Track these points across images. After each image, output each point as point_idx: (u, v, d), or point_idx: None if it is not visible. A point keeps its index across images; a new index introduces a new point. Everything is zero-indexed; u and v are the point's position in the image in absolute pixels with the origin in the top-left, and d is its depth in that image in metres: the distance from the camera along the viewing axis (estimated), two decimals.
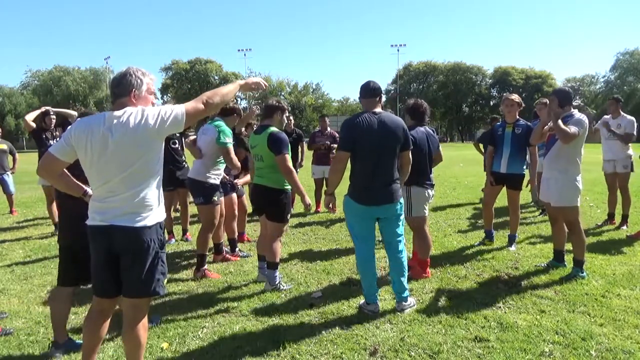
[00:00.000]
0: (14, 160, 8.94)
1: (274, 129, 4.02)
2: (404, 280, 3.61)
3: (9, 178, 8.55)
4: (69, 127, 2.41)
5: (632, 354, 2.84)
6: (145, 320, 2.41)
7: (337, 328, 3.26)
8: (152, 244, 2.32)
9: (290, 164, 3.96)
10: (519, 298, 3.77)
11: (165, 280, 2.46)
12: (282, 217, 4.09)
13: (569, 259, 4.46)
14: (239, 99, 57.63)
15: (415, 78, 72.55)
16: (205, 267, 4.52)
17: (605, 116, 6.63)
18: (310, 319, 3.45)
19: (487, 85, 70.77)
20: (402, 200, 3.64)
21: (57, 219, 6.73)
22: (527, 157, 5.36)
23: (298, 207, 7.92)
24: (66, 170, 2.51)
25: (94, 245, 2.37)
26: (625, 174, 6.41)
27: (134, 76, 2.33)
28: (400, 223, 3.65)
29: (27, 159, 13.77)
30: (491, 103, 68.83)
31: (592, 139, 7.07)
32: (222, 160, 4.57)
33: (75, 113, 6.94)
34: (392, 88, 71.61)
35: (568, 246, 4.47)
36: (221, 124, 4.45)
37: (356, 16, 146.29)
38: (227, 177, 4.82)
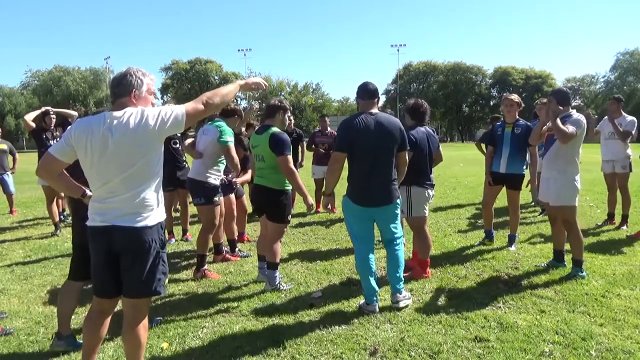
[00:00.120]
0: (14, 160, 8.95)
1: (275, 129, 4.01)
2: (400, 273, 3.66)
3: (9, 178, 8.55)
4: (69, 127, 2.41)
5: (632, 354, 2.84)
6: (145, 320, 2.41)
7: (337, 328, 3.26)
8: (154, 243, 2.32)
9: (292, 165, 3.96)
10: (519, 298, 3.78)
11: (167, 280, 2.46)
12: (282, 218, 4.09)
13: (568, 259, 4.46)
14: (238, 99, 57.62)
15: (415, 78, 72.54)
16: (205, 267, 4.52)
17: (606, 118, 6.63)
18: (310, 319, 3.45)
19: (487, 85, 70.78)
20: (399, 199, 3.67)
21: (57, 219, 6.78)
22: (528, 157, 5.36)
23: (298, 207, 7.93)
24: (65, 172, 2.51)
25: (94, 246, 2.37)
26: (624, 174, 6.41)
27: (134, 76, 2.33)
28: (398, 220, 3.71)
29: (27, 159, 13.77)
30: (491, 103, 68.85)
31: (591, 140, 7.07)
32: (223, 160, 4.57)
33: (75, 113, 6.96)
34: (392, 88, 71.60)
35: (568, 246, 4.47)
36: (222, 124, 4.46)
37: (356, 16, 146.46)
38: (226, 178, 4.81)
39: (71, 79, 62.33)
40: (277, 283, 4.06)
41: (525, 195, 7.25)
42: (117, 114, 2.25)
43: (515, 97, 5.27)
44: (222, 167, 4.62)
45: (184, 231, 6.22)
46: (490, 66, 72.91)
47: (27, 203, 9.83)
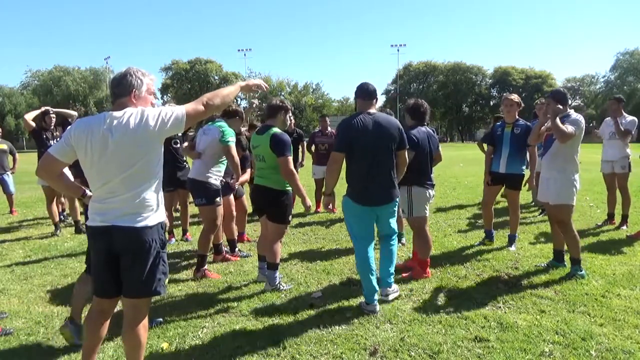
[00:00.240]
0: (14, 160, 8.95)
1: (276, 129, 4.01)
2: (392, 268, 3.78)
3: (9, 178, 8.55)
4: (69, 127, 2.41)
5: (632, 354, 2.84)
6: (145, 320, 2.41)
7: (337, 328, 3.26)
8: (154, 243, 2.32)
9: (292, 166, 3.96)
10: (519, 298, 3.78)
11: (167, 280, 2.46)
12: (283, 218, 4.09)
13: (569, 259, 4.46)
14: (238, 99, 57.66)
15: (415, 78, 72.55)
16: (206, 267, 4.52)
17: (607, 118, 6.64)
18: (310, 319, 3.45)
19: (487, 85, 70.80)
20: (398, 198, 3.73)
21: (57, 219, 6.78)
22: (528, 156, 5.36)
23: (298, 207, 7.92)
24: (68, 171, 2.51)
25: (95, 246, 2.37)
26: (623, 174, 6.42)
27: (134, 76, 2.33)
28: (395, 216, 3.80)
29: (27, 159, 13.77)
30: (491, 103, 68.88)
31: (591, 140, 7.08)
32: (224, 161, 4.57)
33: (75, 113, 6.97)
34: (392, 88, 71.62)
35: None
36: (224, 124, 4.46)
37: (356, 16, 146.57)
38: (225, 181, 4.79)
39: (71, 79, 62.34)
40: (277, 283, 4.06)
41: (525, 195, 7.25)
42: (117, 114, 2.25)
43: (515, 97, 5.27)
44: (223, 167, 4.61)
45: (184, 231, 6.22)
46: (490, 66, 73.10)
47: (27, 203, 9.83)
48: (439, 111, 68.71)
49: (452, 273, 4.47)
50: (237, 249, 5.28)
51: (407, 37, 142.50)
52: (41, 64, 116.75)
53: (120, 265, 2.33)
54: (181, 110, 2.31)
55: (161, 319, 3.45)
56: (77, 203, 6.73)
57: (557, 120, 4.02)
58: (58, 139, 4.97)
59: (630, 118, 6.35)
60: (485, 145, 6.10)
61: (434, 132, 4.65)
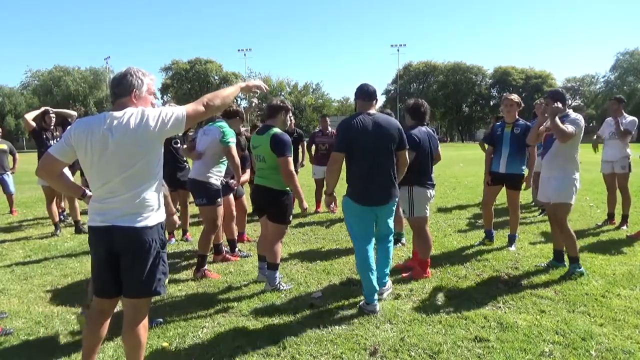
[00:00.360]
0: (14, 160, 8.95)
1: (277, 130, 4.01)
2: (388, 268, 3.90)
3: (9, 178, 8.56)
4: (69, 127, 2.41)
5: (632, 354, 2.84)
6: (145, 320, 2.41)
7: (337, 328, 3.26)
8: (154, 244, 2.32)
9: (292, 167, 3.95)
10: (519, 298, 3.78)
11: (167, 280, 2.46)
12: (283, 219, 4.08)
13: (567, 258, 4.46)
14: (238, 99, 57.67)
15: (415, 78, 72.55)
16: (206, 267, 4.51)
17: (608, 118, 6.64)
18: (310, 319, 3.45)
19: (487, 85, 70.80)
20: (397, 197, 3.76)
21: (57, 219, 6.78)
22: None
23: (298, 207, 7.91)
24: (68, 171, 2.51)
25: (95, 246, 2.37)
26: (624, 175, 6.42)
27: (134, 76, 2.33)
28: (392, 216, 3.84)
29: (27, 159, 13.77)
30: (491, 103, 68.89)
31: (592, 140, 7.08)
32: (224, 161, 4.57)
33: (74, 113, 6.97)
34: (392, 88, 71.61)
35: None
36: (224, 125, 4.46)
37: (356, 16, 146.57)
38: (226, 181, 4.79)
39: (71, 79, 62.33)
40: (277, 283, 4.06)
41: (525, 195, 7.25)
42: (117, 114, 2.25)
43: (515, 97, 5.28)
44: (223, 167, 4.61)
45: (184, 231, 6.22)
46: (490, 66, 73.09)
47: (27, 203, 9.83)
48: (439, 111, 68.70)
49: (452, 273, 4.47)
50: (237, 249, 5.28)
51: (407, 37, 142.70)
52: (41, 64, 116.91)
53: (120, 265, 2.33)
54: (181, 110, 2.31)
55: (161, 319, 3.45)
56: (77, 203, 6.73)
57: (557, 119, 4.02)
58: (58, 139, 4.97)
59: (630, 118, 6.35)
60: (486, 145, 6.10)
61: (434, 132, 4.65)
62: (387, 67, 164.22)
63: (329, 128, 8.13)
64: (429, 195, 4.40)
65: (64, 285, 4.37)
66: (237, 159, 4.48)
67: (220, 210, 4.54)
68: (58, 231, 6.68)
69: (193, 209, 6.62)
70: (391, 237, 3.90)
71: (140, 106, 2.31)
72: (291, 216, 4.19)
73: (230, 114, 4.62)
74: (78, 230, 6.69)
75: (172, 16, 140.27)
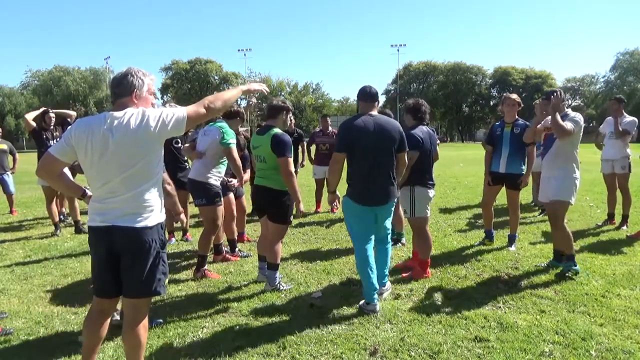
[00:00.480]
0: (14, 160, 8.95)
1: (277, 130, 4.00)
2: (387, 268, 3.93)
3: (9, 178, 8.56)
4: (69, 127, 2.41)
5: (632, 354, 2.84)
6: (145, 320, 2.41)
7: (337, 328, 3.26)
8: (154, 244, 2.32)
9: (292, 167, 3.95)
10: (519, 298, 3.78)
11: (167, 280, 2.46)
12: (284, 219, 4.08)
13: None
14: (238, 99, 57.46)
15: (415, 78, 72.55)
16: (206, 267, 4.51)
17: (609, 117, 6.64)
18: (310, 319, 3.45)
19: (487, 85, 70.81)
20: (397, 197, 3.79)
21: (57, 219, 6.78)
22: None
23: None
24: (67, 170, 2.51)
25: (95, 246, 2.37)
26: (624, 174, 6.41)
27: (135, 77, 2.33)
28: (391, 217, 3.88)
29: (27, 159, 13.77)
30: (491, 103, 68.88)
31: (592, 140, 7.09)
32: (224, 162, 4.57)
33: (74, 113, 6.98)
34: (392, 88, 71.60)
35: None
36: (224, 125, 4.46)
37: (356, 16, 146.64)
38: (227, 182, 4.78)
39: (71, 79, 62.31)
40: (277, 283, 4.06)
41: (525, 195, 7.25)
42: (117, 114, 2.25)
43: (515, 96, 5.29)
44: (223, 168, 4.61)
45: (184, 231, 6.22)
46: (490, 66, 73.09)
47: (27, 203, 9.83)
48: (439, 111, 68.69)
49: (452, 273, 4.47)
50: (237, 249, 5.28)
51: (407, 37, 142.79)
52: (41, 64, 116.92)
53: (120, 265, 2.33)
54: (182, 112, 2.31)
55: (161, 320, 3.45)
56: (76, 203, 6.73)
57: (557, 115, 4.04)
58: (58, 139, 4.97)
59: (630, 118, 6.35)
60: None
61: (433, 131, 4.65)
62: (387, 67, 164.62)
63: (330, 128, 8.13)
64: (430, 195, 4.40)
65: (64, 285, 4.37)
66: (239, 160, 4.48)
67: (220, 210, 4.53)
68: (58, 231, 6.68)
69: (193, 209, 6.61)
70: (390, 238, 3.92)
71: (141, 106, 2.32)
72: (292, 216, 4.18)
73: (231, 115, 4.62)
74: (78, 230, 6.69)
75: (172, 16, 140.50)
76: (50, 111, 6.77)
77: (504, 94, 5.69)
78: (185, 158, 5.94)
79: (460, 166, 17.68)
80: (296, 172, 5.13)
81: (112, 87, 2.41)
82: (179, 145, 5.82)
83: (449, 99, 69.28)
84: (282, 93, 70.11)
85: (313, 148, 8.22)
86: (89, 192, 2.52)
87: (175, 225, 6.10)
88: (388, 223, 3.85)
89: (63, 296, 4.06)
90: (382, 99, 67.53)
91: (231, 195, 5.14)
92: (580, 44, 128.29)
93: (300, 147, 7.74)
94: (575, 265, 4.24)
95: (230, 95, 2.51)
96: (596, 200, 8.58)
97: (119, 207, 2.27)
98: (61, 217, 7.41)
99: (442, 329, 3.23)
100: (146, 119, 2.23)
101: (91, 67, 66.18)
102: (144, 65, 26.98)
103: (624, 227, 6.28)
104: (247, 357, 2.90)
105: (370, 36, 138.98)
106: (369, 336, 3.13)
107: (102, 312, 2.48)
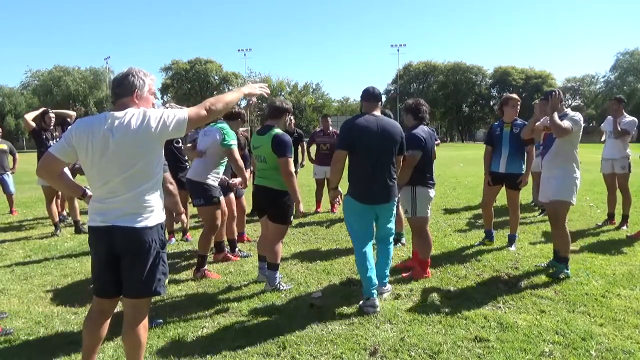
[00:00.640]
0: (14, 160, 8.96)
1: (278, 130, 4.01)
2: (387, 269, 3.92)
3: (9, 178, 8.56)
4: (70, 127, 2.41)
5: (632, 354, 2.85)
6: (145, 320, 2.42)
7: (337, 328, 3.27)
8: (154, 244, 2.32)
9: (292, 168, 3.95)
10: (519, 298, 3.78)
11: (167, 281, 2.46)
12: (284, 219, 4.08)
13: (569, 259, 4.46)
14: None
15: (415, 78, 72.52)
16: (206, 267, 4.51)
17: (609, 116, 6.64)
18: (310, 319, 3.45)
19: (487, 85, 70.77)
20: (397, 197, 3.80)
21: (57, 219, 6.78)
22: None
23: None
24: (67, 170, 2.51)
25: (95, 246, 2.38)
26: (624, 174, 6.42)
27: (136, 77, 2.34)
28: (392, 217, 3.86)
29: (27, 159, 13.77)
30: (491, 103, 68.84)
31: (591, 140, 7.09)
32: (223, 163, 4.57)
33: (74, 113, 6.98)
34: (392, 88, 71.57)
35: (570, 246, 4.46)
36: (225, 126, 4.46)
37: (356, 16, 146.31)
38: (228, 182, 4.78)
39: (71, 79, 62.27)
40: (277, 283, 4.06)
41: (525, 195, 7.25)
42: (118, 114, 2.25)
43: (517, 97, 5.35)
44: (222, 169, 4.61)
45: (184, 231, 6.22)
46: (490, 66, 73.01)
47: (27, 203, 9.83)
48: (439, 111, 68.64)
49: (452, 273, 4.47)
50: (237, 249, 5.29)
51: (407, 37, 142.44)
52: (41, 64, 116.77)
53: (120, 265, 2.33)
54: (183, 114, 2.31)
55: (161, 320, 3.45)
56: (76, 203, 6.74)
57: (555, 115, 4.05)
58: (58, 139, 4.98)
59: (629, 118, 6.35)
60: None
61: (433, 131, 4.66)
62: (387, 67, 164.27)
63: (330, 128, 8.13)
64: (431, 195, 4.40)
65: (64, 285, 4.37)
66: (240, 161, 4.47)
67: (219, 210, 4.53)
68: (58, 231, 6.68)
69: (193, 209, 6.59)
70: (391, 239, 3.91)
71: (142, 107, 2.32)
72: (292, 216, 4.18)
73: (232, 116, 4.62)
74: (78, 230, 6.69)
75: (172, 16, 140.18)
76: (50, 111, 6.78)
77: (506, 94, 5.69)
78: (186, 158, 5.94)
79: (460, 166, 17.68)
80: (296, 172, 5.13)
81: (113, 87, 2.41)
82: (180, 145, 5.82)
83: (449, 99, 69.24)
84: (282, 93, 70.04)
85: (313, 148, 8.22)
86: (89, 192, 2.52)
87: (175, 225, 6.11)
88: (391, 224, 3.85)
89: (63, 296, 4.06)
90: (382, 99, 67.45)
91: (232, 195, 5.14)
92: (580, 44, 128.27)
93: (300, 147, 7.74)
94: (567, 269, 4.24)
95: (231, 97, 2.51)
96: (596, 200, 8.58)
97: (119, 207, 2.27)
98: (61, 217, 7.41)
99: (442, 329, 3.23)
100: (147, 119, 2.24)
101: (91, 67, 66.19)
102: (144, 65, 27.04)
103: (624, 227, 6.28)
104: (247, 357, 2.90)
105: (370, 36, 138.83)
106: (369, 336, 3.14)
107: (102, 312, 2.48)
